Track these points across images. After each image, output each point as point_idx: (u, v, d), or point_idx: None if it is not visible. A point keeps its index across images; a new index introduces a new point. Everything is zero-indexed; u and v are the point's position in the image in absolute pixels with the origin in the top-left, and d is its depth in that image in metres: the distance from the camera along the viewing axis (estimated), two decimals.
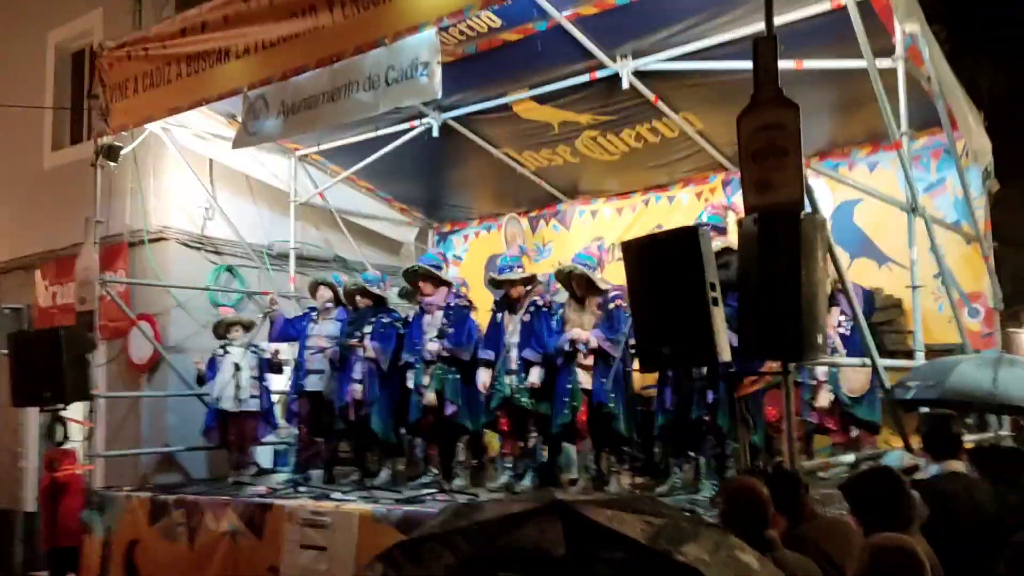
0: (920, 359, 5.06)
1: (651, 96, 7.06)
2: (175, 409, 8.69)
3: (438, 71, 5.25)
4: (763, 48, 3.75)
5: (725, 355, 3.50)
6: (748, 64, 6.15)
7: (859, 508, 2.94)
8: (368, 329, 6.78)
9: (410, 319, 6.79)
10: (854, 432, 6.16)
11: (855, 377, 5.82)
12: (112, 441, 8.48)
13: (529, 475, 6.11)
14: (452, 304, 6.51)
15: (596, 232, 9.34)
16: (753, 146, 3.70)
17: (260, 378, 7.81)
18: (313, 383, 7.24)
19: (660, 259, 3.57)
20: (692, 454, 5.57)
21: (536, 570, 1.51)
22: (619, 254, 8.84)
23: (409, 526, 5.03)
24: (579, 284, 5.86)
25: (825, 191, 7.65)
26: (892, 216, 6.96)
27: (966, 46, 7.49)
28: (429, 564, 1.61)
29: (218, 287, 9.09)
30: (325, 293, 7.36)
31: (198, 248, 9.16)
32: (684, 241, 3.52)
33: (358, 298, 7.06)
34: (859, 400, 5.86)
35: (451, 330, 6.37)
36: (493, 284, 6.44)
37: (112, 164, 7.48)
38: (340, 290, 7.44)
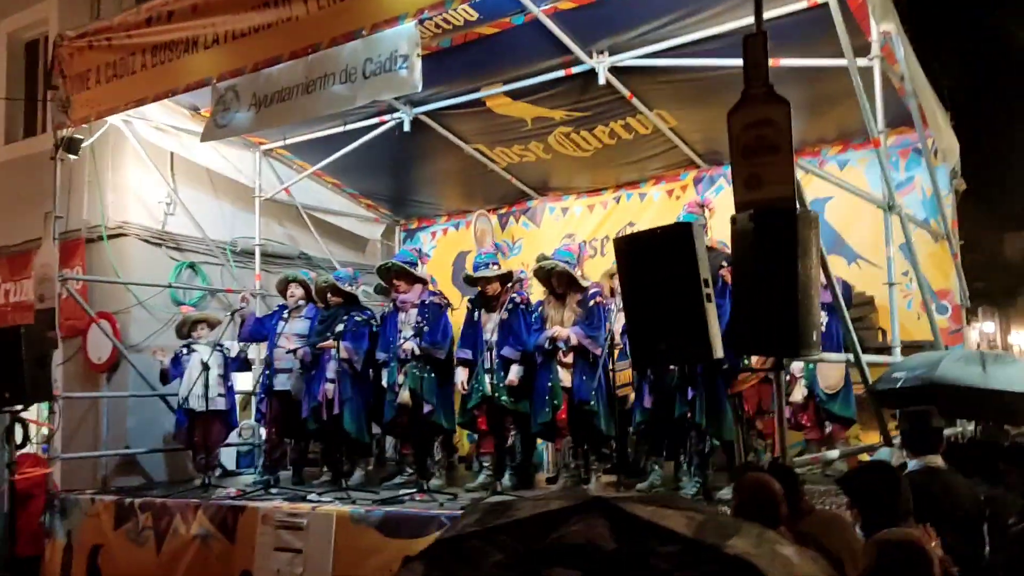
0: (898, 355, 5.11)
1: (626, 93, 7.04)
2: (136, 410, 8.46)
3: (418, 64, 5.15)
4: (753, 43, 3.75)
5: (719, 351, 3.48)
6: (726, 61, 6.31)
7: (859, 501, 2.94)
8: (340, 328, 6.65)
9: (383, 317, 6.68)
10: (828, 427, 6.23)
11: (831, 373, 5.87)
12: (69, 443, 8.21)
13: (508, 474, 6.05)
14: (427, 302, 6.42)
15: (567, 229, 9.32)
16: (743, 142, 3.68)
17: (225, 377, 7.63)
18: (282, 382, 7.09)
19: (654, 255, 3.54)
20: (668, 453, 5.57)
21: (588, 565, 1.46)
22: (590, 252, 9.06)
23: (390, 527, 4.95)
24: (560, 281, 5.82)
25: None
26: (862, 214, 7.06)
27: (929, 47, 7.60)
28: (477, 562, 1.56)
29: (180, 284, 8.86)
30: (296, 291, 7.21)
31: (159, 244, 8.92)
32: (678, 237, 3.49)
33: (329, 296, 6.91)
34: (835, 396, 5.92)
35: (426, 328, 6.27)
36: (468, 282, 6.36)
37: (72, 157, 7.23)
38: (312, 287, 7.30)
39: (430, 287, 6.56)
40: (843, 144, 7.52)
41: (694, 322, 3.43)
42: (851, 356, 4.38)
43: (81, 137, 7.31)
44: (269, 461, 7.28)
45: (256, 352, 8.85)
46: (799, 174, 7.47)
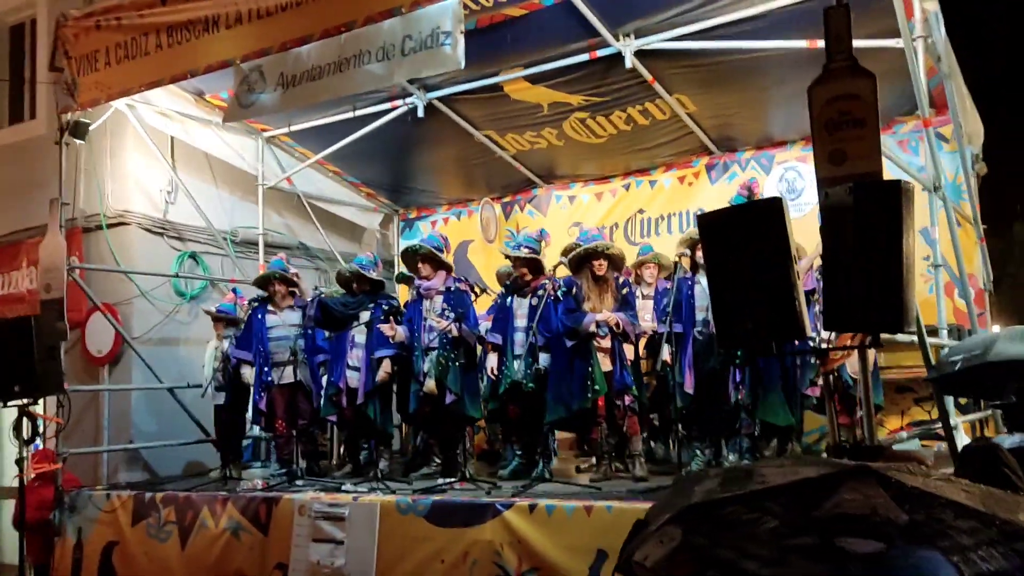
0: (944, 336, 5.13)
1: (648, 77, 7.00)
2: (140, 404, 8.23)
3: (461, 40, 5.04)
4: (834, 16, 3.70)
5: (808, 330, 3.45)
6: (754, 43, 6.29)
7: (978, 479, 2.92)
8: (366, 315, 6.49)
9: (406, 305, 6.55)
10: (859, 413, 6.25)
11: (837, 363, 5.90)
12: (68, 438, 7.95)
13: (540, 463, 5.96)
14: (453, 288, 6.30)
15: (574, 218, 9.26)
16: (826, 117, 3.64)
17: None
18: (284, 375, 6.85)
19: (742, 232, 3.48)
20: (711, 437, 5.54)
21: (880, 535, 1.39)
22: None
23: (440, 516, 4.85)
24: (603, 263, 5.72)
25: (813, 175, 7.75)
26: None
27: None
28: (745, 527, 1.48)
29: (185, 274, 8.64)
30: (280, 288, 7.01)
31: (160, 234, 8.67)
32: (767, 212, 3.44)
33: (355, 283, 6.75)
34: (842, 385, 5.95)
35: (451, 314, 6.15)
36: (508, 259, 6.27)
37: (79, 141, 6.97)
38: (291, 277, 7.11)
39: (454, 273, 6.44)
40: None
41: (783, 300, 3.38)
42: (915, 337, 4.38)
43: (88, 121, 7.06)
44: (283, 455, 7.11)
45: None
46: None
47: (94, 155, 8.35)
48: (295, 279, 7.00)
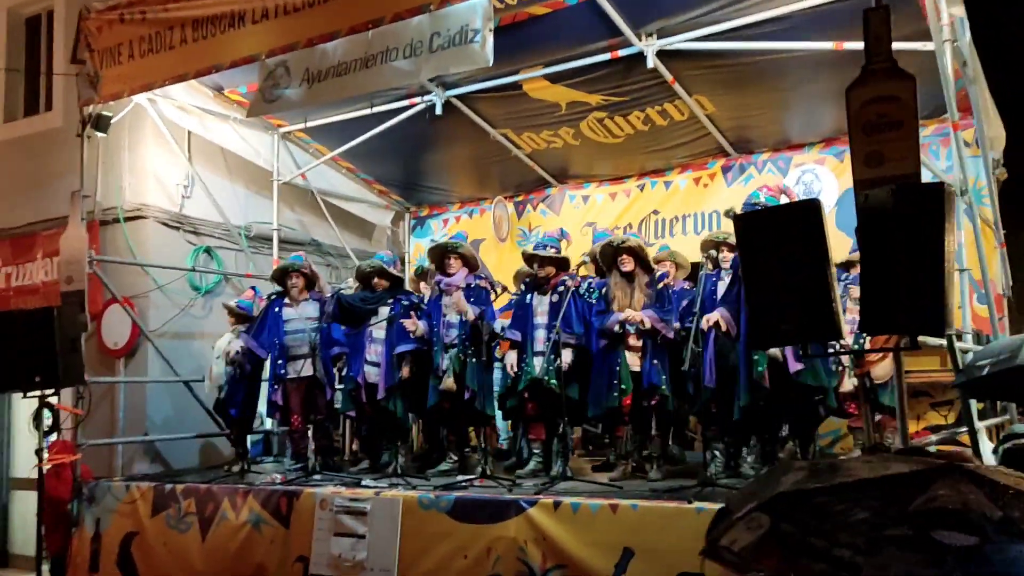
0: (969, 341, 5.15)
1: (669, 77, 7.01)
2: (156, 397, 8.25)
3: (490, 38, 5.05)
4: (874, 18, 3.71)
5: (845, 333, 3.48)
6: (777, 44, 6.31)
7: None
8: (386, 311, 6.52)
9: (428, 301, 6.57)
10: (876, 416, 6.29)
11: (880, 363, 5.92)
12: (84, 430, 7.98)
13: (558, 460, 5.98)
14: (474, 285, 6.32)
15: (588, 218, 9.27)
16: (864, 119, 3.66)
17: None
18: (303, 369, 6.86)
19: (779, 232, 3.50)
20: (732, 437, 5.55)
21: (976, 531, 1.41)
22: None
23: (463, 512, 4.87)
24: (629, 259, 5.73)
25: (831, 178, 7.78)
26: None
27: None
28: (838, 517, 1.50)
29: (202, 269, 8.67)
30: (298, 281, 7.01)
31: (176, 228, 8.70)
32: (805, 213, 3.46)
33: (376, 280, 6.76)
34: (883, 386, 5.96)
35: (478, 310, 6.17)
36: (526, 259, 6.27)
37: (101, 135, 6.99)
38: (308, 271, 7.13)
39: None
40: None
41: (820, 301, 3.40)
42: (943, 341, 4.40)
43: (110, 114, 7.09)
44: (298, 450, 7.12)
45: None
46: (836, 162, 7.62)
47: (112, 148, 8.37)
48: (312, 272, 7.01)
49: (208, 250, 8.92)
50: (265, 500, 5.68)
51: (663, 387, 5.52)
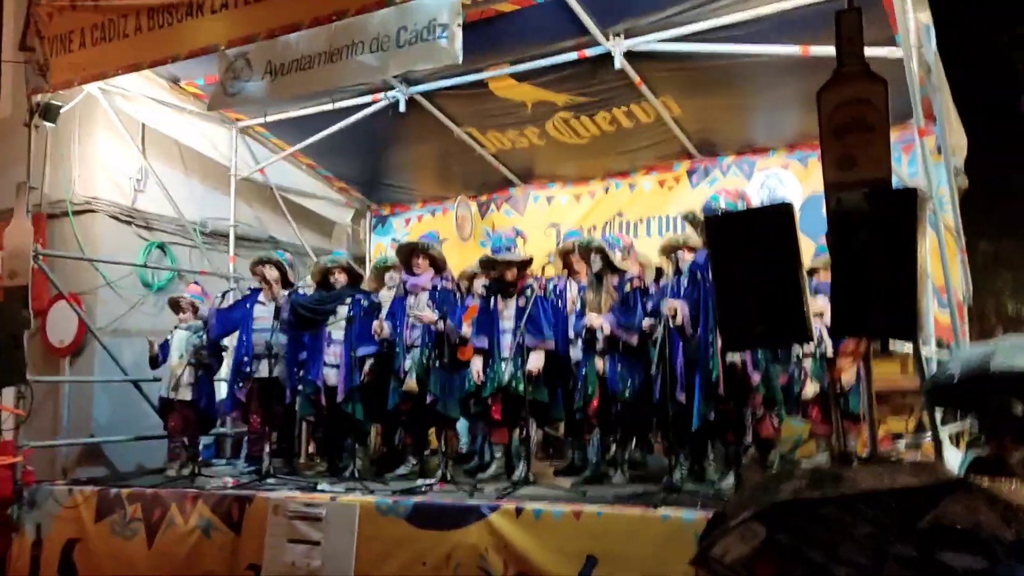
0: (933, 347, 5.15)
1: (636, 78, 6.95)
2: (102, 397, 7.97)
3: (459, 34, 4.94)
4: (847, 20, 3.67)
5: (813, 335, 3.42)
6: (746, 47, 6.28)
7: None
8: (344, 310, 6.35)
9: (393, 301, 6.41)
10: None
11: (845, 372, 5.93)
12: (25, 431, 7.67)
13: (521, 464, 5.87)
14: (439, 286, 6.19)
15: (551, 218, 9.18)
16: (835, 121, 3.61)
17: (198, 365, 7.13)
18: (264, 369, 6.67)
19: (751, 235, 3.43)
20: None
21: (986, 553, 1.33)
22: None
23: (422, 518, 4.73)
24: (597, 260, 5.63)
25: (794, 182, 7.79)
26: None
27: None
28: (840, 531, 1.40)
29: (154, 265, 8.42)
30: (271, 272, 6.82)
31: (128, 222, 8.44)
32: (778, 217, 3.40)
33: (332, 277, 6.59)
34: (847, 393, 5.97)
35: (437, 312, 6.02)
36: (487, 265, 6.13)
37: (50, 125, 6.72)
38: (289, 269, 6.95)
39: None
40: None
41: (792, 304, 3.34)
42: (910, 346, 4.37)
43: (60, 104, 6.82)
44: (253, 452, 6.92)
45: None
46: (799, 167, 7.62)
47: (62, 139, 8.09)
48: (288, 270, 6.81)
49: (161, 246, 8.67)
50: (216, 505, 5.48)
51: (625, 394, 5.43)
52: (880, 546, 1.40)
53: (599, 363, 5.50)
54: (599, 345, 5.50)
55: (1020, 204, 10.68)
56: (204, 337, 6.98)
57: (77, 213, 8.11)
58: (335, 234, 10.92)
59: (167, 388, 7.16)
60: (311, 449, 8.61)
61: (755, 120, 7.70)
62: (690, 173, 8.37)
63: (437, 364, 6.01)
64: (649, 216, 8.59)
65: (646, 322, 5.23)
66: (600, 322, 5.44)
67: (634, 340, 5.41)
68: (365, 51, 5.23)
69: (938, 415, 4.64)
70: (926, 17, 5.33)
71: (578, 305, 5.76)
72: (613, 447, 5.74)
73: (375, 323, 6.09)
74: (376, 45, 5.19)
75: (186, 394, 7.04)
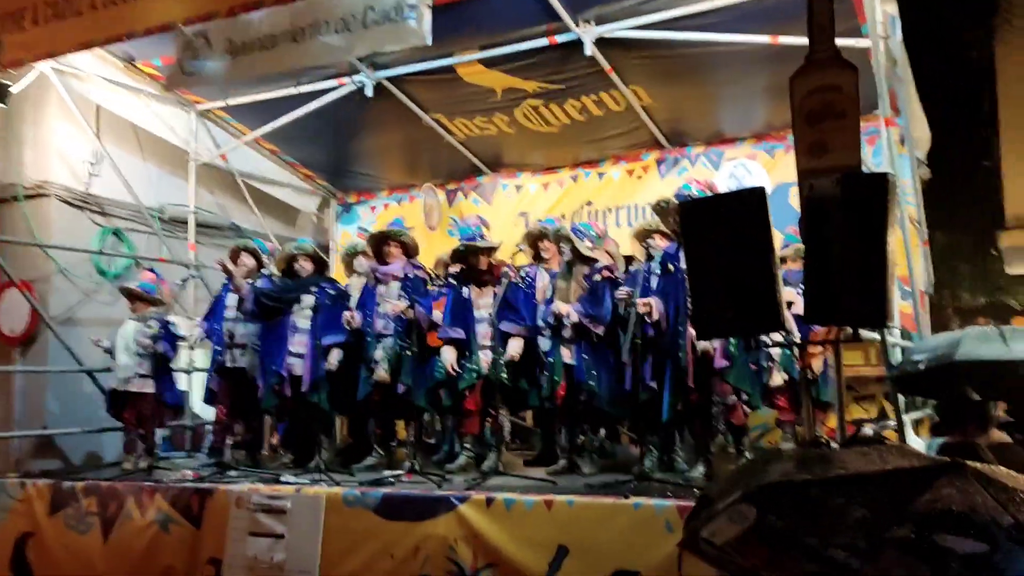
0: (896, 336, 5.17)
1: (606, 66, 6.90)
2: (56, 388, 7.74)
3: (427, 15, 4.82)
4: (818, 5, 3.64)
5: (789, 321, 3.39)
6: (717, 36, 6.25)
7: None
8: (311, 299, 6.22)
9: (363, 289, 6.30)
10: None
11: (814, 360, 5.95)
12: None
13: (492, 454, 5.80)
14: (411, 275, 6.09)
15: (520, 207, 9.11)
16: (807, 108, 3.58)
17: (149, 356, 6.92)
18: (236, 359, 6.54)
19: (723, 221, 3.39)
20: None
21: (984, 537, 1.28)
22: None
23: (390, 510, 4.63)
24: (551, 249, 5.57)
25: (762, 172, 7.80)
26: None
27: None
28: (833, 514, 1.35)
29: (110, 252, 8.18)
30: (248, 261, 6.68)
31: (82, 208, 8.18)
32: (750, 202, 3.36)
33: (297, 264, 6.44)
34: (814, 381, 6.00)
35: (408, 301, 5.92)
36: (457, 257, 6.02)
37: (0, 106, 6.48)
38: (265, 258, 6.80)
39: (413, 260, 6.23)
40: None
41: (764, 290, 3.31)
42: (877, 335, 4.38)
43: (9, 83, 6.57)
44: (217, 444, 6.77)
45: (189, 327, 8.28)
46: (767, 158, 7.64)
47: (12, 121, 7.82)
48: (266, 259, 6.66)
49: (117, 232, 8.43)
50: (175, 498, 5.32)
51: (590, 382, 5.39)
52: (875, 529, 1.35)
53: (565, 352, 5.45)
54: (566, 333, 5.44)
55: (977, 197, 10.85)
56: (159, 326, 6.80)
57: (28, 197, 7.84)
58: (300, 223, 10.75)
59: (119, 380, 6.98)
60: (274, 441, 8.47)
61: (724, 110, 7.71)
62: (659, 163, 8.35)
63: (408, 354, 5.91)
64: (618, 205, 8.57)
65: (622, 290, 5.15)
66: (567, 309, 5.39)
67: (600, 331, 5.37)
68: (330, 31, 5.08)
69: (901, 402, 4.67)
70: (892, 8, 5.33)
71: (548, 293, 5.70)
72: (581, 437, 5.68)
73: (345, 314, 5.98)
74: (342, 25, 5.04)
75: (141, 386, 6.86)
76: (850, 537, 1.35)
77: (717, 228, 3.41)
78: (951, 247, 12.06)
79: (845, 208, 3.13)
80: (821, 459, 1.59)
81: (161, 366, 6.83)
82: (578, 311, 5.40)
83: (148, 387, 6.86)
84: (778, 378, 6.00)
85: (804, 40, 5.91)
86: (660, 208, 5.41)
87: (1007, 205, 8.96)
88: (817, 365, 5.98)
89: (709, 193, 5.21)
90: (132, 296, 7.12)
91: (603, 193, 8.64)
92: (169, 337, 6.73)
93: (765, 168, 7.75)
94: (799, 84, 3.63)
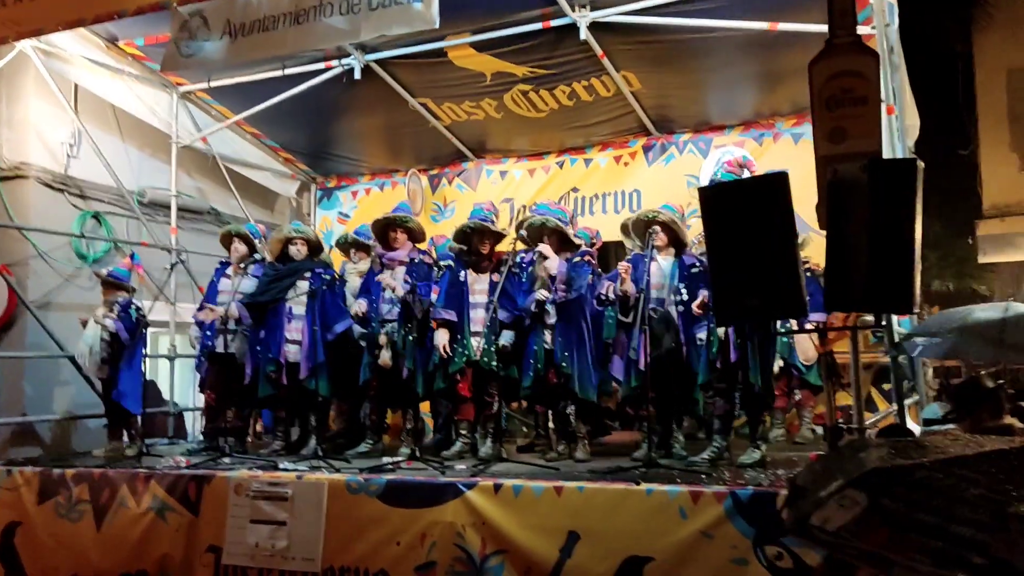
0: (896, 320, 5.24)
1: (599, 51, 6.87)
2: (34, 373, 7.56)
3: None
4: None
5: (807, 308, 3.41)
6: (714, 23, 6.26)
7: None
8: (305, 285, 6.14)
9: (367, 273, 6.25)
10: (796, 396, 6.45)
11: (808, 346, 6.06)
12: None
13: (487, 441, 5.80)
14: (417, 260, 6.05)
15: (505, 193, 9.07)
16: (827, 93, 3.60)
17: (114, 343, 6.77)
18: (222, 345, 6.43)
19: (745, 207, 3.40)
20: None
21: None
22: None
23: (395, 497, 4.60)
24: (552, 239, 5.56)
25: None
26: (812, 186, 7.25)
27: None
28: (949, 492, 1.36)
29: (92, 236, 8.01)
30: (240, 247, 6.56)
31: (61, 190, 7.99)
32: (771, 187, 3.37)
33: (294, 248, 6.34)
34: (810, 368, 6.11)
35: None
36: (460, 237, 5.99)
37: None
38: (257, 242, 6.69)
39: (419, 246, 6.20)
40: (798, 117, 7.66)
41: (787, 276, 3.33)
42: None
43: None
44: (208, 430, 6.67)
45: (171, 312, 8.15)
46: (755, 146, 7.67)
47: None
48: (258, 243, 6.54)
49: (96, 215, 8.25)
50: (171, 486, 5.23)
51: (564, 364, 5.40)
52: (997, 506, 1.37)
53: (548, 336, 5.46)
54: (550, 319, 5.46)
55: (949, 187, 11.05)
56: (119, 309, 6.67)
57: (6, 179, 7.64)
58: (279, 207, 10.61)
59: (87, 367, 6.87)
60: (258, 428, 8.38)
61: (713, 97, 7.73)
62: (646, 150, 8.36)
63: (411, 339, 5.87)
64: (605, 192, 8.57)
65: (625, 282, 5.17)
66: (548, 296, 5.41)
67: (573, 295, 5.39)
68: (334, 13, 4.98)
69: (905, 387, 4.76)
70: None
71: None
72: (575, 422, 5.67)
73: (354, 308, 5.92)
74: (346, 7, 4.95)
75: (105, 372, 6.74)
76: (972, 514, 1.37)
77: (740, 213, 3.42)
78: (926, 235, 12.28)
79: (872, 194, 3.15)
80: (916, 446, 1.60)
81: (116, 351, 6.66)
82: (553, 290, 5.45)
83: (105, 373, 6.75)
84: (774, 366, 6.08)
85: (800, 26, 6.03)
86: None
87: (984, 194, 9.12)
88: (814, 353, 6.08)
89: (743, 172, 5.22)
90: (104, 282, 6.97)
91: (589, 180, 8.63)
92: (128, 320, 6.57)
93: (753, 156, 7.78)
94: (819, 69, 3.65)
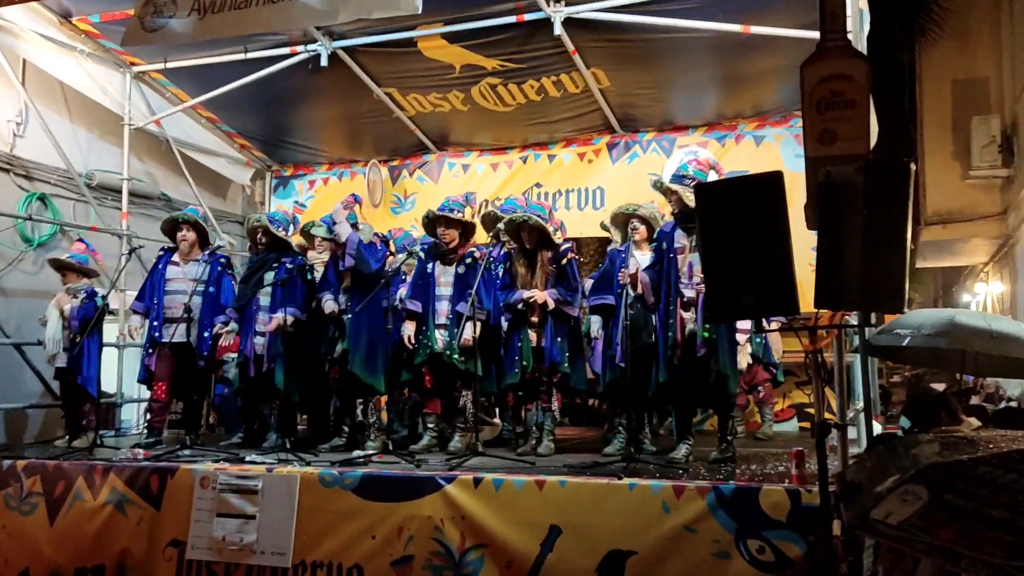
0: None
1: (571, 47, 6.88)
2: None
3: None
4: None
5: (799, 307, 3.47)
6: (688, 23, 6.32)
7: None
8: (271, 275, 6.01)
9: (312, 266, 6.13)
10: (761, 393, 6.59)
11: (781, 344, 6.21)
12: None
13: (457, 435, 5.76)
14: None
15: (467, 187, 8.92)
16: (818, 96, 3.66)
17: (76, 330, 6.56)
18: (176, 334, 6.24)
19: (740, 204, 3.43)
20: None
21: None
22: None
23: (371, 490, 4.53)
24: (531, 236, 5.55)
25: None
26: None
27: None
28: (1010, 488, 1.39)
29: (39, 218, 7.70)
30: (189, 234, 6.36)
31: (6, 170, 7.67)
32: (768, 185, 3.41)
33: (260, 238, 6.20)
34: (778, 366, 6.25)
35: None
36: (427, 225, 5.93)
37: None
38: (207, 227, 6.51)
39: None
40: (760, 120, 7.80)
41: (782, 274, 3.38)
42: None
43: None
44: (156, 422, 6.46)
45: (121, 300, 7.89)
46: (717, 147, 7.78)
47: None
48: (208, 228, 6.36)
49: (43, 197, 7.94)
50: (131, 478, 5.05)
51: (564, 364, 5.41)
52: None
53: (533, 335, 5.45)
54: (535, 317, 5.45)
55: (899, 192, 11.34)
56: (84, 296, 6.46)
57: None
58: (231, 194, 10.38)
59: (48, 356, 6.65)
60: (212, 420, 8.19)
61: (678, 97, 7.81)
62: (610, 147, 8.41)
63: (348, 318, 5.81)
64: (569, 188, 8.58)
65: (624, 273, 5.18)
66: (544, 297, 5.39)
67: (575, 312, 5.42)
68: None
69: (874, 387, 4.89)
70: (863, 2, 5.50)
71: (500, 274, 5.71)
72: (546, 417, 5.66)
73: (326, 305, 5.86)
74: None
75: (65, 360, 6.54)
76: None
77: (734, 211, 3.45)
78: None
79: (868, 195, 3.21)
80: (967, 442, 1.64)
81: (75, 340, 6.45)
82: (554, 297, 5.41)
83: (65, 361, 6.55)
84: (743, 361, 6.17)
85: (772, 30, 6.13)
86: (659, 186, 5.38)
87: (927, 202, 9.40)
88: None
89: (710, 173, 5.26)
90: (63, 268, 6.73)
91: (553, 175, 8.63)
92: (92, 308, 6.37)
93: (715, 157, 7.88)
94: (810, 72, 3.71)
